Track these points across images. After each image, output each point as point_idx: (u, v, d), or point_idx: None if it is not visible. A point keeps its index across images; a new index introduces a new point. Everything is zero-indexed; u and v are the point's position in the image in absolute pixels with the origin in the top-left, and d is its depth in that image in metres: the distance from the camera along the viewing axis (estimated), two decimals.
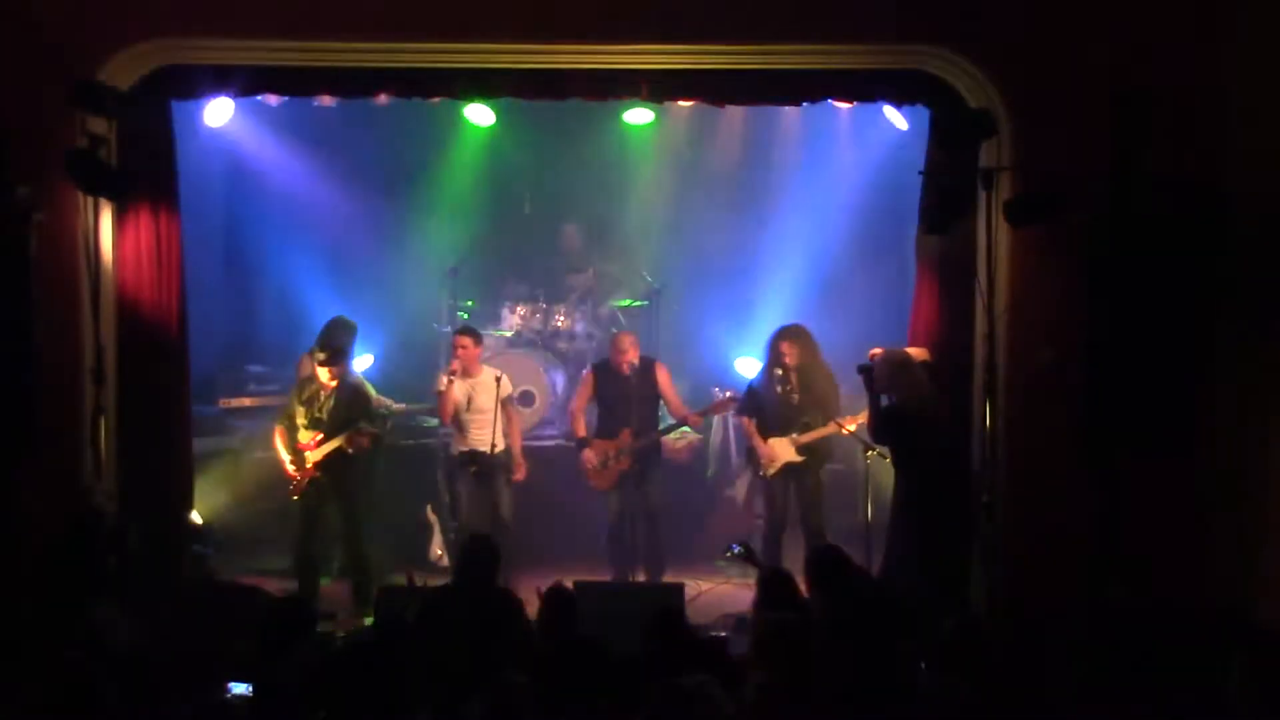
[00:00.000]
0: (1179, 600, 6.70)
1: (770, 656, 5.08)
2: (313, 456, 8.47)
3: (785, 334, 8.51)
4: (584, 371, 9.41)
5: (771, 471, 8.55)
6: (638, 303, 10.91)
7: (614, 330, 9.38)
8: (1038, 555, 7.34)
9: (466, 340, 8.82)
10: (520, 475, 8.83)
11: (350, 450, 8.47)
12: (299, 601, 6.35)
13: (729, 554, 7.23)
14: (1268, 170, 6.99)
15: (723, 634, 7.41)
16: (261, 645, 5.68)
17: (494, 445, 8.74)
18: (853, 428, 8.35)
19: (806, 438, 8.46)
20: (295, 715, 5.08)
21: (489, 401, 8.75)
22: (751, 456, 8.78)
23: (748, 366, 10.17)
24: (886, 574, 7.49)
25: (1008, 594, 7.18)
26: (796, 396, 8.49)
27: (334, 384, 8.54)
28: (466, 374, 8.76)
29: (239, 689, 5.35)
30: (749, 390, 8.74)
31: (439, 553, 9.41)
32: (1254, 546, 7.05)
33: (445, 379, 8.76)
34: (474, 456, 8.72)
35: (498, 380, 8.76)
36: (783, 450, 8.51)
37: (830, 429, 8.44)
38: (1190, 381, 6.85)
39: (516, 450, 8.89)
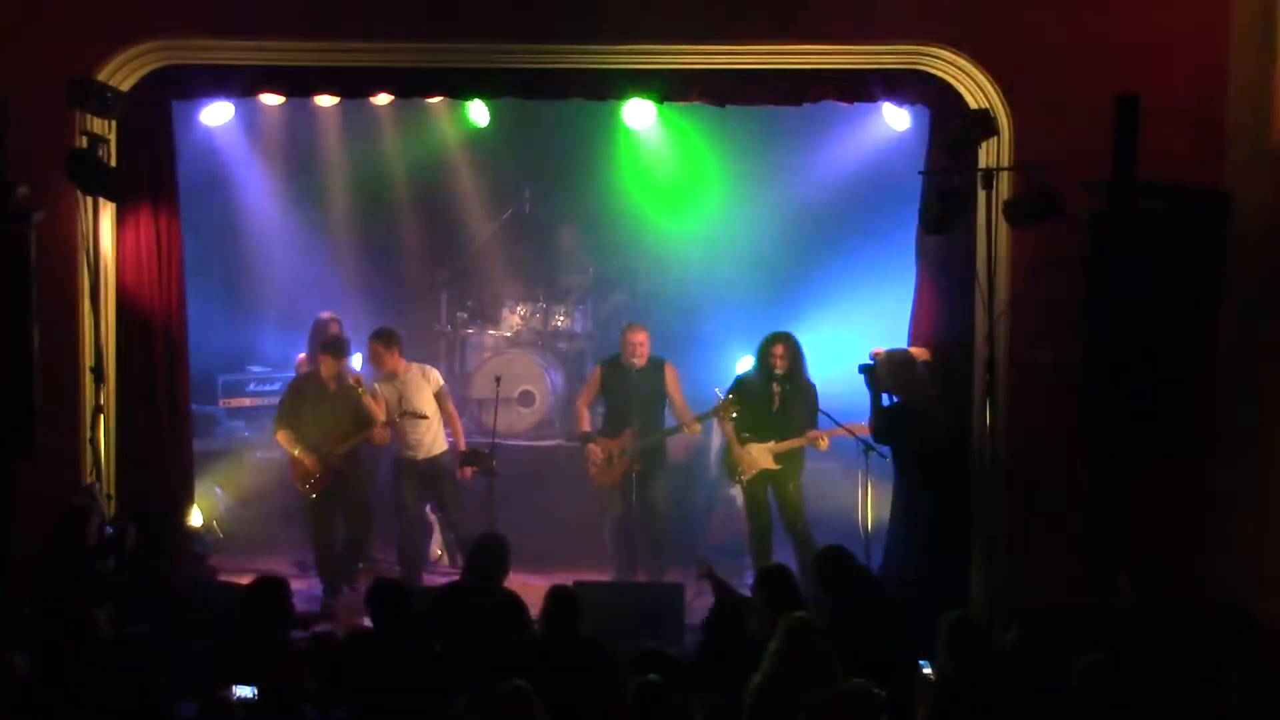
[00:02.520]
0: (1179, 599, 6.69)
1: (791, 655, 5.09)
2: (339, 449, 8.53)
3: (776, 338, 8.50)
4: (592, 368, 9.40)
5: (747, 477, 8.54)
6: None
7: (625, 324, 9.41)
8: (1037, 555, 7.34)
9: (376, 346, 8.73)
10: (465, 475, 8.80)
11: (376, 442, 8.63)
12: (272, 581, 6.30)
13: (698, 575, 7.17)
14: (1267, 170, 6.99)
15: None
16: (245, 629, 5.71)
17: (431, 449, 8.78)
18: (826, 444, 8.37)
19: (783, 446, 8.44)
20: (298, 714, 5.09)
21: (420, 398, 8.72)
22: (726, 460, 8.75)
23: (747, 367, 10.17)
24: (886, 573, 7.50)
25: (1007, 593, 7.19)
26: (778, 402, 8.49)
27: (336, 382, 8.64)
28: (390, 377, 8.72)
29: (243, 692, 5.35)
30: (736, 384, 8.71)
31: (439, 552, 9.42)
32: (1254, 545, 7.05)
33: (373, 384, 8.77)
34: (414, 466, 8.75)
35: (425, 375, 8.79)
36: (760, 457, 8.48)
37: (806, 440, 8.43)
38: (1190, 381, 6.85)
39: (460, 444, 8.88)
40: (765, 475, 8.50)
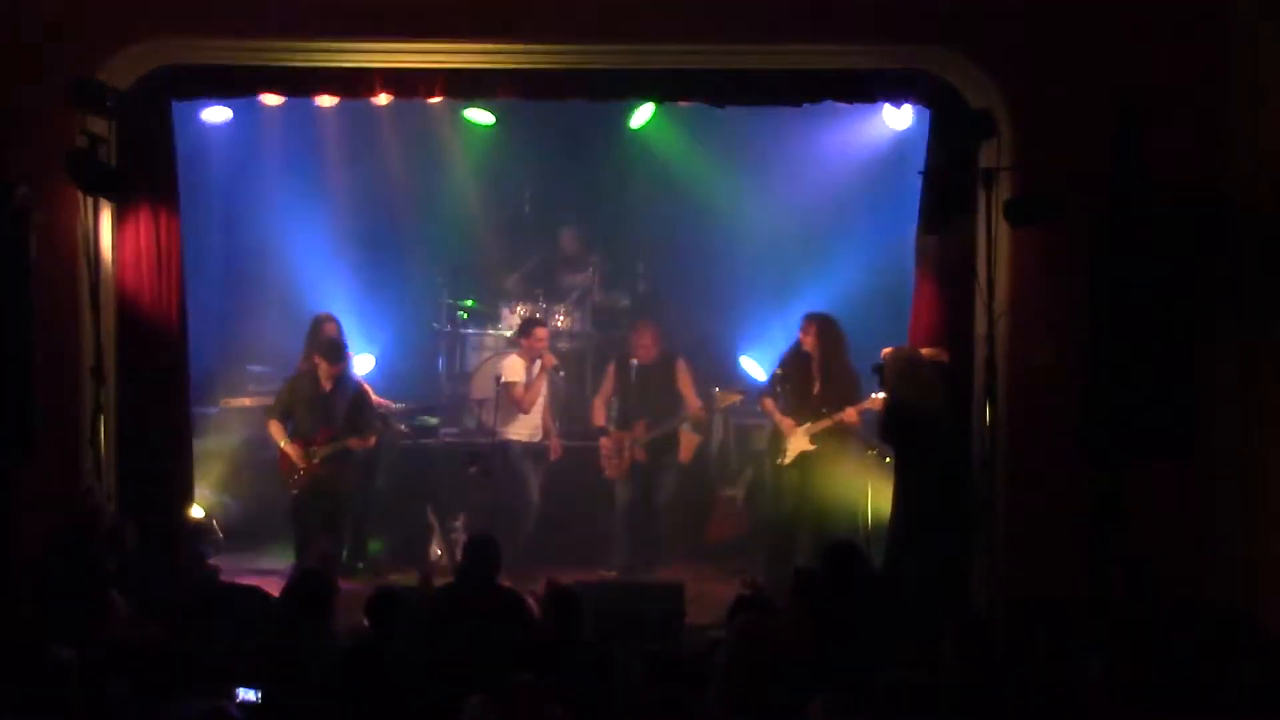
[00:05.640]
0: (1179, 599, 6.70)
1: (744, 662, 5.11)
2: (320, 453, 8.54)
3: (810, 319, 8.54)
4: (608, 365, 9.60)
5: (788, 460, 8.53)
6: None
7: (632, 322, 9.67)
8: (1038, 555, 7.34)
9: (545, 331, 9.45)
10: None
11: (356, 450, 8.65)
12: (318, 575, 6.38)
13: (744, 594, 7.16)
14: (1267, 170, 6.99)
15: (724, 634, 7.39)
16: (281, 621, 5.70)
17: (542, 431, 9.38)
18: (854, 416, 8.36)
19: (818, 427, 8.43)
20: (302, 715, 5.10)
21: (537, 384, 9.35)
22: (771, 443, 8.73)
23: (752, 366, 10.20)
24: (886, 572, 7.49)
25: (1008, 593, 7.19)
26: (818, 385, 8.49)
27: (332, 384, 8.64)
28: (529, 354, 9.29)
29: (248, 695, 5.35)
30: (781, 364, 8.73)
31: (439, 553, 9.41)
32: (1254, 546, 7.05)
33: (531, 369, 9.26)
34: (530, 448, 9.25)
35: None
36: (797, 439, 8.48)
37: (835, 420, 8.40)
38: (1190, 381, 6.85)
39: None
40: (804, 461, 8.47)
